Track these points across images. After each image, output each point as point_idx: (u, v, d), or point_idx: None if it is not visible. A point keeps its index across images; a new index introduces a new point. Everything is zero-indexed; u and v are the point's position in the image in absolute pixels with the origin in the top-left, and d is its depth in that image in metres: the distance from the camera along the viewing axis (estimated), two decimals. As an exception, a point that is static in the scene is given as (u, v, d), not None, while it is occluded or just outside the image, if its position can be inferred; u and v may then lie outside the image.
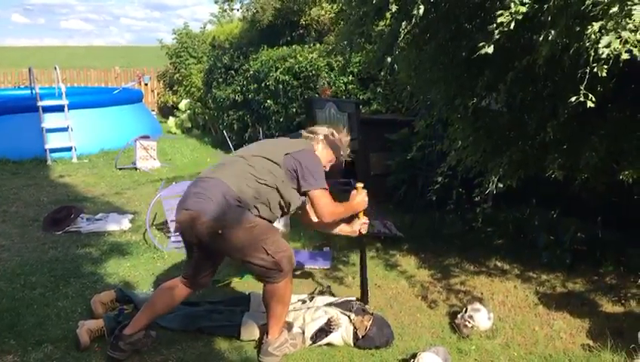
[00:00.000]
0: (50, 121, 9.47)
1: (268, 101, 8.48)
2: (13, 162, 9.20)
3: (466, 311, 3.46)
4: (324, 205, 3.19)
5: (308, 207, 3.34)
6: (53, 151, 9.39)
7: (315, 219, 3.37)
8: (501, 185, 3.57)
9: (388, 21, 3.42)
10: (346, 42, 3.88)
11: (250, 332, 3.35)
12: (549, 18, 2.50)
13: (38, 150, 9.29)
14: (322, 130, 3.44)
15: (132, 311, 3.64)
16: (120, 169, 8.72)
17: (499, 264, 4.50)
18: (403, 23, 3.05)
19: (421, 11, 2.87)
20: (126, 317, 3.48)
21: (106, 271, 4.51)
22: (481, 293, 3.99)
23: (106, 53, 54.21)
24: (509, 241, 4.90)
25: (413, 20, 2.93)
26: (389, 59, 3.55)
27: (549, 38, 2.47)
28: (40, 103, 9.49)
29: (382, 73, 3.89)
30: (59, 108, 9.62)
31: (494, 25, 2.43)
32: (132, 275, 4.41)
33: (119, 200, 6.87)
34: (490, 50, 2.49)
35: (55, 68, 10.82)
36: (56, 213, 5.78)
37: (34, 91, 9.73)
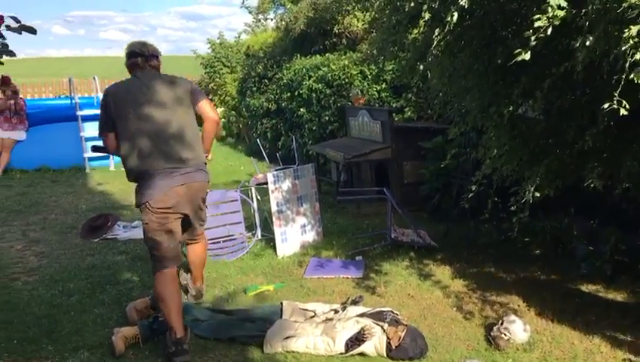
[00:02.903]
0: (89, 130, 9.68)
1: (301, 109, 8.51)
2: (53, 170, 9.46)
3: (502, 323, 3.39)
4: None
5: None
6: (91, 159, 9.60)
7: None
8: (538, 195, 3.48)
9: (421, 29, 3.39)
10: (378, 50, 3.86)
11: (274, 345, 3.33)
12: (587, 23, 2.44)
13: (78, 159, 9.52)
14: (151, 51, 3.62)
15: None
16: (156, 177, 8.84)
17: (536, 275, 4.41)
18: (436, 31, 3.01)
19: (455, 18, 2.84)
20: (160, 325, 3.51)
21: (141, 278, 4.57)
22: (518, 305, 3.90)
23: (144, 63, 55.08)
24: (547, 252, 4.79)
25: (447, 27, 2.90)
26: (422, 67, 3.52)
27: (587, 43, 2.40)
28: (79, 113, 9.72)
29: (415, 81, 3.85)
30: (97, 118, 9.82)
31: (531, 30, 2.38)
32: (166, 283, 4.45)
33: (155, 207, 6.96)
34: (527, 56, 2.44)
35: (94, 78, 11.08)
36: (93, 221, 5.90)
37: (73, 101, 9.98)
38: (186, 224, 3.65)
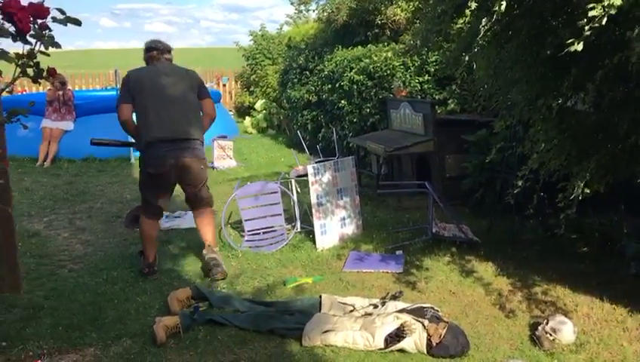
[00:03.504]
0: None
1: (342, 101, 8.46)
2: (99, 160, 9.68)
3: (547, 323, 3.29)
4: None
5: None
6: (136, 150, 9.74)
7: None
8: (587, 191, 3.35)
9: (467, 18, 3.31)
10: (422, 41, 3.78)
11: (312, 338, 3.32)
12: (645, 13, 2.32)
13: (123, 149, 9.68)
14: (165, 47, 4.52)
15: (207, 309, 3.72)
16: (198, 168, 8.95)
17: (583, 273, 4.26)
18: (483, 20, 2.93)
19: (502, 7, 2.75)
20: (201, 315, 3.55)
21: (183, 268, 4.63)
22: (564, 304, 3.78)
23: (187, 54, 55.87)
24: (595, 250, 4.62)
25: (494, 17, 2.81)
26: (467, 58, 3.42)
27: (645, 33, 2.29)
28: (124, 104, 9.87)
29: (459, 72, 3.77)
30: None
31: (584, 20, 2.27)
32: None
33: (196, 198, 7.04)
34: (579, 47, 2.33)
35: (139, 70, 11.26)
36: (137, 211, 5.96)
37: (119, 92, 10.14)
38: (187, 192, 4.57)
